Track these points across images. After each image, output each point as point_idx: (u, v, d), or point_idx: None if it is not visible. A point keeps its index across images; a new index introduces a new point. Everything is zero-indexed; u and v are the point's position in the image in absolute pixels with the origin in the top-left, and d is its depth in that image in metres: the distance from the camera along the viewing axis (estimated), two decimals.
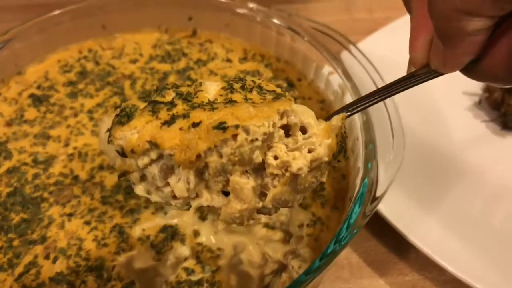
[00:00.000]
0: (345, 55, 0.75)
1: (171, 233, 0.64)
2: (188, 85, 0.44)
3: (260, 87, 0.43)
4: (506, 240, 0.76)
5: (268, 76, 0.79)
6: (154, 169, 0.41)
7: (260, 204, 0.40)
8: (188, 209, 0.42)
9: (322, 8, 1.18)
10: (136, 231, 0.64)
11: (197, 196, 0.41)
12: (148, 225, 0.65)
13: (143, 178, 0.43)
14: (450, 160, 0.85)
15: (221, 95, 0.42)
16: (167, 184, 0.41)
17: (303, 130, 0.41)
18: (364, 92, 0.70)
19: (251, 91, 0.43)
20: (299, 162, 0.39)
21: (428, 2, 0.41)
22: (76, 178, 0.68)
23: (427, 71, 0.46)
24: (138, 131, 0.40)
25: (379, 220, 0.74)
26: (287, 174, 0.39)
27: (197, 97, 0.42)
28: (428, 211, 0.77)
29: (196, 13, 0.84)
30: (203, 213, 0.65)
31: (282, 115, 0.40)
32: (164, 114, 0.40)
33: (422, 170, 0.83)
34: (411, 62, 0.47)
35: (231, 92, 0.42)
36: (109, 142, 0.42)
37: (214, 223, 0.65)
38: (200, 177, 0.40)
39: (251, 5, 0.80)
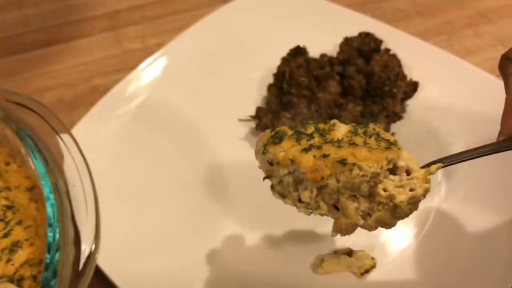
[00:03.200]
0: (45, 130, 0.63)
1: None
2: (325, 123, 0.56)
3: (378, 134, 0.54)
4: None
5: None
6: (289, 178, 0.53)
7: (361, 222, 0.52)
8: (308, 214, 0.54)
9: (91, 44, 1.05)
10: None
11: (318, 206, 0.53)
12: None
13: (279, 183, 0.55)
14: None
15: (347, 136, 0.54)
16: (296, 190, 0.54)
17: (407, 171, 0.52)
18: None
19: (370, 137, 0.54)
20: (402, 197, 0.50)
21: None
22: None
23: None
24: (285, 150, 0.53)
25: None
26: (391, 203, 0.50)
27: (330, 134, 0.54)
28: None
29: None
30: None
31: (389, 162, 0.51)
32: (304, 142, 0.53)
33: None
34: (502, 133, 0.54)
35: (355, 135, 0.54)
36: (263, 153, 0.54)
37: None
38: (319, 191, 0.52)
39: None
